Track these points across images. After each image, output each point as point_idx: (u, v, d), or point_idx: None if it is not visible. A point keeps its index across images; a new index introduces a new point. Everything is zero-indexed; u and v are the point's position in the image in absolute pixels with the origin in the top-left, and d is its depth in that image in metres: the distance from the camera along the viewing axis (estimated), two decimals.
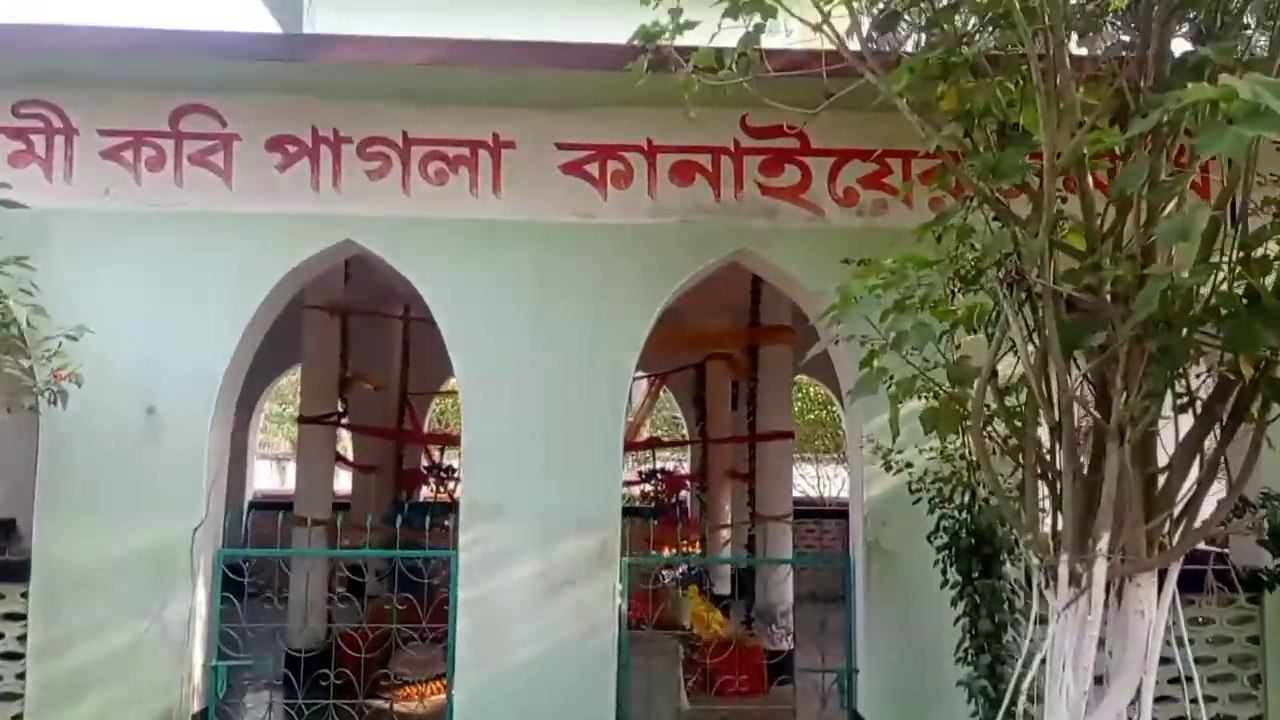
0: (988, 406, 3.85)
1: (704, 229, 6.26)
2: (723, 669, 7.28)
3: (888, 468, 5.45)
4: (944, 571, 5.39)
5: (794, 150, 6.32)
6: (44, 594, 5.76)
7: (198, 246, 6.00)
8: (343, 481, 12.89)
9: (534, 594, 5.99)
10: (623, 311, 6.20)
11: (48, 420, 5.74)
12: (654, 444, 12.57)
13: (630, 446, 10.46)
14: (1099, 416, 3.53)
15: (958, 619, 5.30)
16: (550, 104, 6.17)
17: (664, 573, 9.44)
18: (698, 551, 11.07)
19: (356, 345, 9.62)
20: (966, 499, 5.34)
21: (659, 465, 12.80)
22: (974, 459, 5.34)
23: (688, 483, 12.34)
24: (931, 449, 5.37)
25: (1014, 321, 3.63)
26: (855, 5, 4.82)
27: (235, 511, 7.67)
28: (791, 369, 9.59)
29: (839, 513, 14.90)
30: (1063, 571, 3.64)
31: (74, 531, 5.79)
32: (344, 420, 9.62)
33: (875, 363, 4.04)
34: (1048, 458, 3.89)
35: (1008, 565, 5.33)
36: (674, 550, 9.05)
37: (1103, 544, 3.46)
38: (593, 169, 6.26)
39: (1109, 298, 3.64)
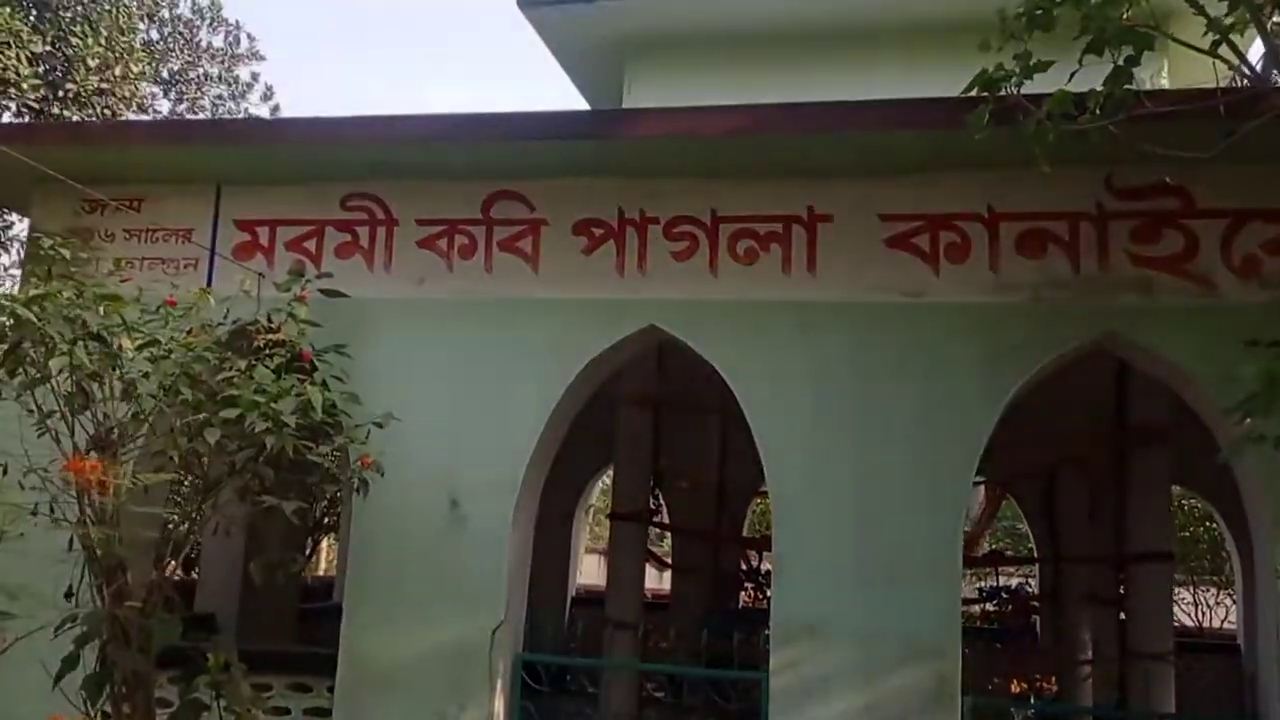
0: None
1: (1059, 308, 5.31)
2: None
3: None
4: None
5: (1175, 212, 5.24)
6: (348, 690, 5.67)
7: (503, 334, 5.86)
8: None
9: None
10: (960, 404, 5.34)
11: (358, 511, 5.72)
12: (995, 559, 11.21)
13: (968, 561, 9.27)
14: None
15: None
16: (872, 171, 5.53)
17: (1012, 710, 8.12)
18: (1053, 688, 9.54)
19: (671, 440, 9.27)
20: None
21: (1001, 583, 11.38)
22: None
23: (1037, 605, 10.81)
24: None
25: None
26: (1266, 18, 3.86)
27: (551, 611, 7.40)
28: (1169, 478, 8.08)
29: (1220, 647, 12.67)
30: None
31: (378, 627, 5.69)
32: (656, 518, 9.24)
33: None
34: None
35: None
36: (1025, 687, 7.74)
37: None
38: (922, 242, 5.51)
39: None
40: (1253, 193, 5.11)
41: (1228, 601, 15.24)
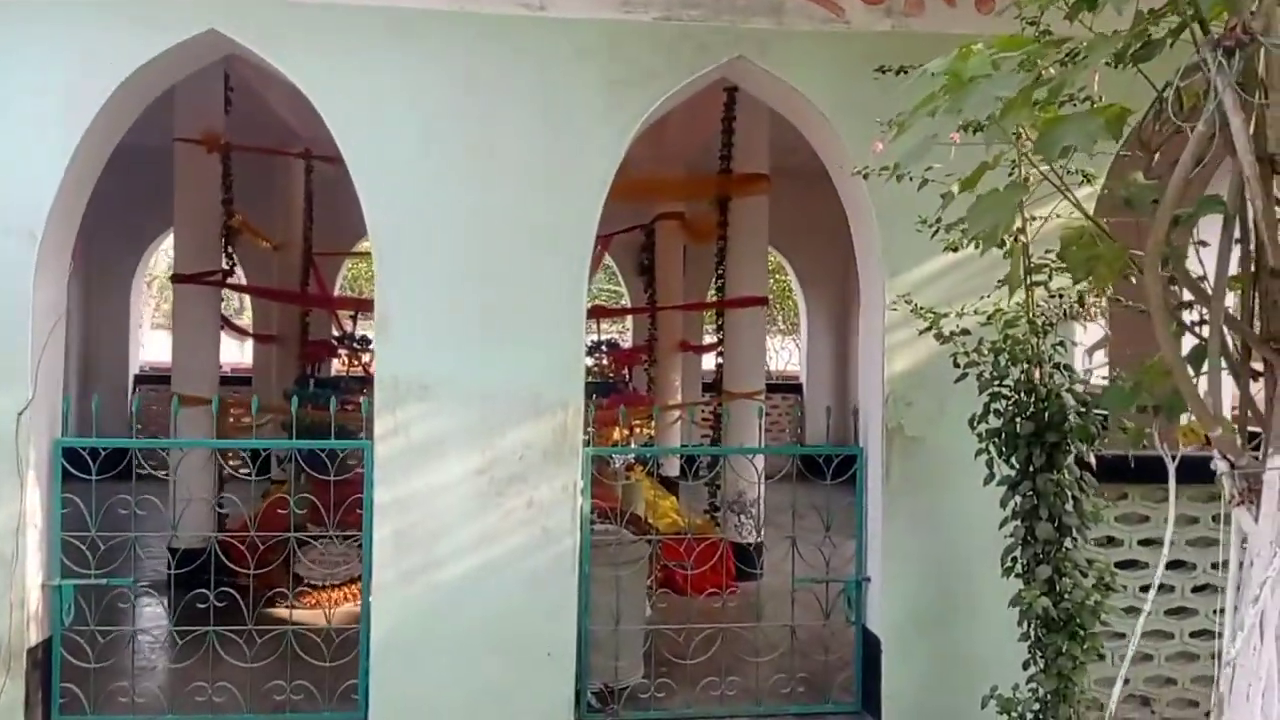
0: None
1: (690, 29, 4.83)
2: (692, 567, 6.15)
3: (939, 336, 4.22)
4: (989, 464, 4.24)
5: None
6: None
7: (6, 35, 4.39)
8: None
9: (474, 493, 4.74)
10: (585, 136, 4.80)
11: None
12: (598, 313, 11.29)
13: None
14: None
15: (1005, 521, 4.17)
16: None
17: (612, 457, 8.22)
18: (651, 431, 9.93)
19: (246, 192, 8.04)
20: (1034, 375, 4.15)
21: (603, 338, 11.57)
22: (1042, 322, 4.19)
23: (640, 357, 11.11)
24: (979, 311, 4.18)
25: (1234, 114, 2.33)
26: None
27: (110, 390, 6.21)
28: (767, 225, 8.25)
29: (785, 386, 14.10)
30: (1272, 483, 2.48)
31: None
32: (229, 280, 8.06)
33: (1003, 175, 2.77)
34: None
35: (1071, 459, 4.19)
36: (626, 433, 7.83)
37: None
38: None
39: None
40: None
41: (791, 346, 16.93)
